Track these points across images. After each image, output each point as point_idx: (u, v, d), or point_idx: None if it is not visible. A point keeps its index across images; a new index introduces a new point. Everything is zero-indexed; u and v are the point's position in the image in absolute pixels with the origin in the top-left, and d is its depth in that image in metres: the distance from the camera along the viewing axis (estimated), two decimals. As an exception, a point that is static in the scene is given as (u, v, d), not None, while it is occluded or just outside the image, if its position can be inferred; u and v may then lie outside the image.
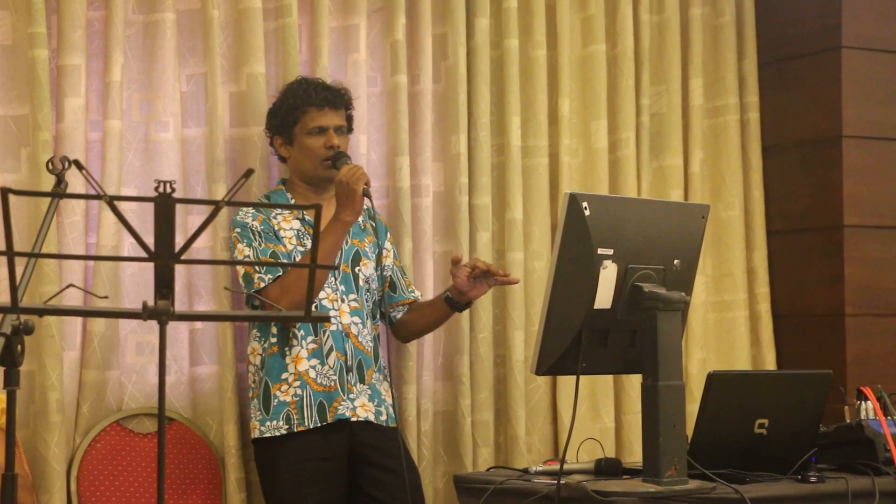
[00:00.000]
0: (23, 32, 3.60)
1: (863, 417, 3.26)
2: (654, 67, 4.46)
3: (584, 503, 2.83)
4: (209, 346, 3.81)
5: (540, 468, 3.17)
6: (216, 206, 2.14)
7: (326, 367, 3.57)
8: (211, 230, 3.75)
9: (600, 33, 4.34)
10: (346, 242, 3.67)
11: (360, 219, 3.70)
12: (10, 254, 2.10)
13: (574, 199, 2.89)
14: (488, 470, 3.67)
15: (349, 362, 3.60)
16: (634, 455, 4.07)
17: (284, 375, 3.57)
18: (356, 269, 3.67)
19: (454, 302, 3.68)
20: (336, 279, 3.64)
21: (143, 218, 3.54)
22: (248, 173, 2.15)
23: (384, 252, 3.77)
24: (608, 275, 2.93)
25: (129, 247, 3.70)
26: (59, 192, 2.74)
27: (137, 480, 3.67)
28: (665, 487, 2.83)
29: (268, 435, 3.56)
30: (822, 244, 4.43)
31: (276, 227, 3.62)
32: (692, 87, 4.50)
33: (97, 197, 2.09)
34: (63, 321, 3.59)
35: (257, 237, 3.58)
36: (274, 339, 3.59)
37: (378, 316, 3.75)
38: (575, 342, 2.94)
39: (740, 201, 4.56)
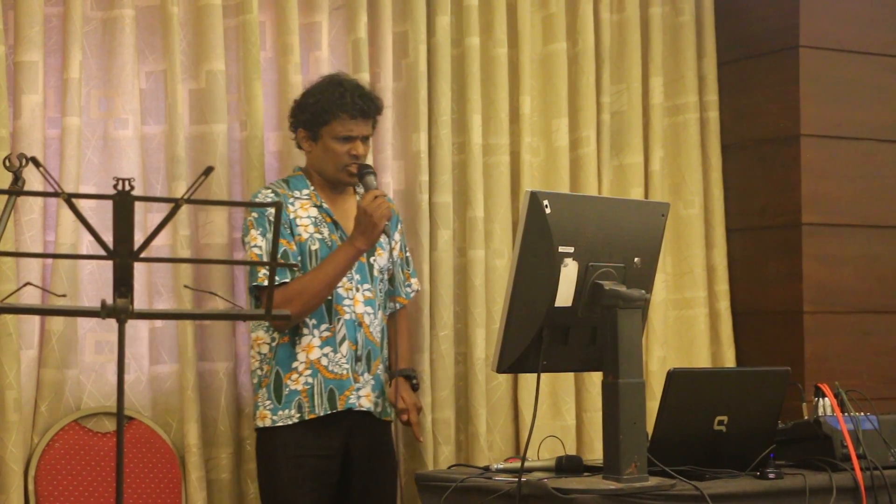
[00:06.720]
0: (-21, 28, 3.57)
1: (820, 414, 3.29)
2: (615, 66, 4.48)
3: (545, 501, 2.83)
4: (169, 344, 3.79)
5: (501, 466, 3.17)
6: (176, 203, 2.13)
7: (339, 356, 3.60)
8: (171, 228, 3.73)
9: (561, 32, 4.35)
10: None
11: None
12: (-33, 252, 2.08)
13: (535, 197, 2.89)
14: (449, 468, 3.67)
15: (359, 352, 3.63)
16: (595, 452, 4.08)
17: (295, 364, 3.59)
18: (371, 260, 3.69)
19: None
20: (352, 269, 3.64)
21: (101, 216, 3.51)
22: (208, 171, 2.14)
23: (393, 242, 3.78)
24: (569, 272, 2.94)
25: (87, 245, 3.67)
26: (17, 190, 2.71)
27: (96, 480, 3.65)
28: (625, 484, 2.84)
29: (280, 424, 3.58)
30: (780, 242, 4.46)
31: (291, 216, 3.61)
32: (652, 85, 4.52)
33: (55, 194, 2.08)
34: (21, 319, 3.56)
35: (272, 228, 3.55)
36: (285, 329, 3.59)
37: (387, 306, 3.79)
38: (536, 340, 2.95)
39: (700, 199, 4.58)
